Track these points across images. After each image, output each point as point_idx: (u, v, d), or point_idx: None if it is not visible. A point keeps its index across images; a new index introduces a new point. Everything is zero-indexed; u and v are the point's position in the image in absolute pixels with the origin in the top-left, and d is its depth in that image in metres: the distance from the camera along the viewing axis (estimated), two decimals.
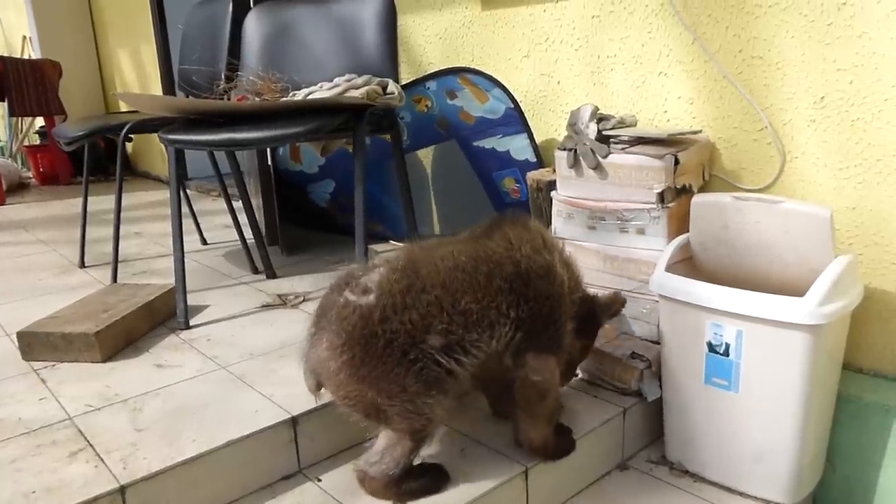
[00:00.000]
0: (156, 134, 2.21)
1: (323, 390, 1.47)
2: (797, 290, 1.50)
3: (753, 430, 1.63)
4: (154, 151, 5.06)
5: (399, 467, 1.43)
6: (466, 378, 1.42)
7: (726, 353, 1.61)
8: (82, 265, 2.76)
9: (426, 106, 2.55)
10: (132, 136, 2.53)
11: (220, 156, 2.70)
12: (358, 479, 1.48)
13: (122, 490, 1.32)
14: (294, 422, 1.55)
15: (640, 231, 1.85)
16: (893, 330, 1.76)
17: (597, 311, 1.67)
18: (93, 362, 1.83)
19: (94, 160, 4.84)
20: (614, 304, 1.70)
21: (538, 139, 2.39)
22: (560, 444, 1.63)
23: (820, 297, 1.47)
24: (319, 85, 2.30)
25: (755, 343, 1.56)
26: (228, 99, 2.47)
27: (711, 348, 1.63)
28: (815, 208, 1.55)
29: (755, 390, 1.60)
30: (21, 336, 1.87)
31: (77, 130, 2.56)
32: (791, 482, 1.64)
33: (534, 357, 1.47)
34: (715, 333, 1.61)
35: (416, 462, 1.52)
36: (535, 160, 2.35)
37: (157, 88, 4.79)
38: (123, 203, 2.63)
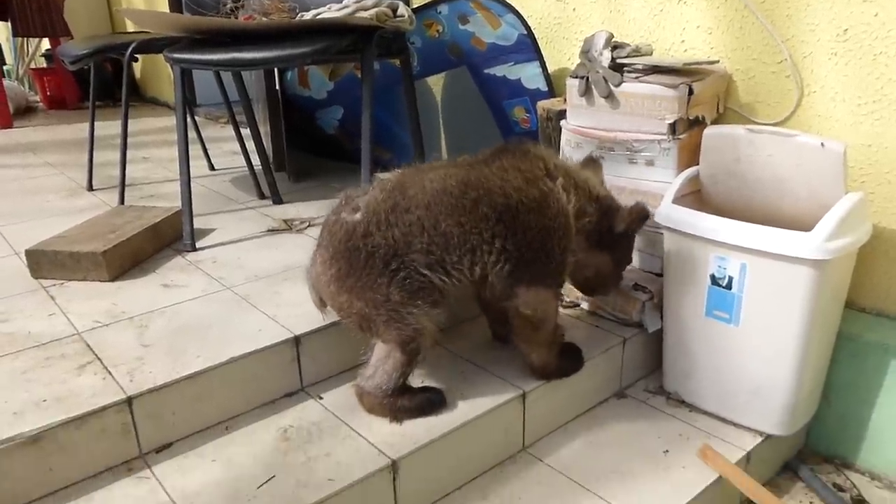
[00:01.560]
0: (161, 54, 2.17)
1: (328, 307, 1.52)
2: (806, 226, 1.49)
3: (752, 364, 1.65)
4: (162, 77, 4.99)
5: (392, 382, 1.46)
6: (452, 295, 1.46)
7: (729, 287, 1.61)
8: (90, 188, 2.77)
9: (437, 31, 2.48)
10: (138, 56, 2.49)
11: (229, 81, 2.66)
12: (356, 396, 1.53)
13: (129, 401, 1.36)
14: (297, 341, 1.58)
15: (650, 163, 1.82)
16: None
17: (613, 223, 1.62)
18: (100, 281, 1.86)
19: (101, 84, 4.76)
20: (631, 215, 1.61)
21: (550, 68, 2.33)
22: (563, 364, 1.66)
23: (827, 232, 1.45)
24: (328, 6, 2.24)
25: (759, 277, 1.55)
26: (235, 18, 2.42)
27: (714, 281, 1.63)
28: (829, 143, 1.52)
29: (756, 324, 1.60)
30: (30, 254, 1.89)
31: (81, 49, 2.53)
32: (786, 416, 1.67)
33: (525, 290, 1.48)
34: (719, 266, 1.61)
35: (417, 385, 1.55)
36: (546, 89, 2.30)
37: (163, 7, 4.68)
38: (131, 128, 2.61)
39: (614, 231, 1.61)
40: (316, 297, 1.53)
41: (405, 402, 1.49)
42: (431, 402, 1.52)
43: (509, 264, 1.45)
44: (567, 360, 1.68)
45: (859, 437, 1.83)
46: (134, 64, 5.28)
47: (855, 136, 1.73)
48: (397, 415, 1.49)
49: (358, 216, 1.42)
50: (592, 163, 1.72)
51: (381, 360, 1.48)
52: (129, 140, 2.63)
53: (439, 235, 1.40)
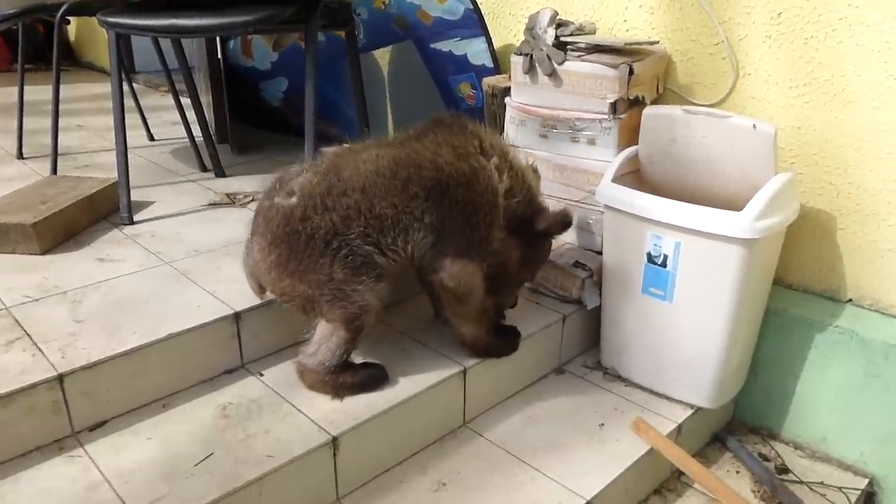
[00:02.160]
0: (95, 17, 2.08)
1: (267, 292, 1.51)
2: (737, 206, 1.54)
3: (684, 339, 1.71)
4: (99, 41, 4.79)
5: (335, 358, 1.46)
6: (392, 271, 1.46)
7: (664, 264, 1.66)
8: (20, 156, 2.66)
9: (383, 2, 2.45)
10: (71, 18, 2.38)
11: (168, 49, 2.57)
12: (297, 373, 1.52)
13: (61, 378, 1.33)
14: (237, 317, 1.56)
15: (591, 141, 1.85)
16: (825, 248, 1.83)
17: (535, 221, 1.61)
18: (30, 254, 1.79)
19: (32, 47, 4.56)
20: (555, 217, 1.61)
21: (496, 44, 2.33)
22: (497, 343, 1.67)
23: (757, 212, 1.51)
24: None
25: (692, 255, 1.60)
26: None
27: (650, 259, 1.68)
28: (761, 124, 1.57)
29: (688, 301, 1.66)
30: None
31: (8, 9, 2.41)
32: (715, 389, 1.74)
33: (450, 262, 1.49)
34: (655, 244, 1.65)
35: (359, 361, 1.56)
36: (491, 66, 2.30)
37: None
38: (65, 95, 2.51)
39: (534, 227, 1.61)
40: (255, 284, 1.51)
41: (347, 378, 1.50)
42: (374, 378, 1.53)
43: (433, 236, 1.46)
44: (502, 340, 1.69)
45: (784, 409, 1.92)
46: (68, 26, 5.05)
47: (786, 118, 1.79)
48: (339, 391, 1.50)
49: (294, 200, 1.40)
50: (534, 172, 1.69)
51: (325, 337, 1.48)
52: (62, 107, 2.52)
53: (374, 218, 1.41)
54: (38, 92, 3.41)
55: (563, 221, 1.61)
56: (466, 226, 1.47)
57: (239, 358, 1.59)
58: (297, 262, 1.39)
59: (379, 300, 1.46)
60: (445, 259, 1.48)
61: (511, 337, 1.71)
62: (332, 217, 1.39)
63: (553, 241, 1.72)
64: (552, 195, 1.93)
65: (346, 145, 1.55)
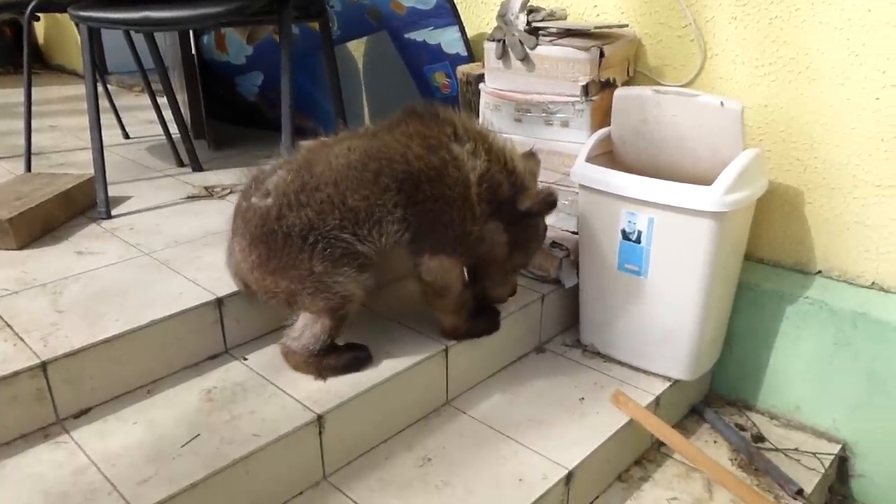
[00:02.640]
0: (67, 14, 2.07)
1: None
2: (708, 182, 1.58)
3: (660, 314, 1.75)
4: (69, 43, 4.74)
5: (319, 343, 1.48)
6: (376, 260, 1.47)
7: (638, 241, 1.70)
8: None
9: None
10: (39, 15, 2.37)
11: (143, 48, 2.56)
12: (282, 354, 1.54)
13: (44, 366, 1.33)
14: (219, 303, 1.57)
15: (565, 124, 1.89)
16: (793, 223, 1.89)
17: (517, 201, 1.56)
18: (7, 249, 1.79)
19: (1, 49, 4.52)
20: (538, 196, 1.55)
21: (470, 33, 2.36)
22: (476, 326, 1.69)
23: (726, 186, 1.55)
24: None
25: (665, 230, 1.64)
26: None
27: (625, 236, 1.71)
28: (728, 102, 1.62)
29: (663, 276, 1.70)
30: None
31: None
32: (691, 362, 1.78)
33: (428, 258, 1.51)
34: (629, 221, 1.69)
35: (342, 342, 1.58)
36: (465, 54, 2.33)
37: None
38: (37, 97, 2.50)
39: (518, 208, 1.56)
40: (241, 283, 1.54)
41: (331, 360, 1.51)
42: (357, 360, 1.55)
43: (409, 233, 1.47)
44: (481, 321, 1.70)
45: (758, 380, 1.97)
46: (37, 29, 4.99)
47: (753, 96, 1.84)
48: (323, 373, 1.51)
49: (269, 200, 1.42)
50: (532, 156, 1.67)
51: (309, 324, 1.50)
52: (35, 109, 2.51)
53: (349, 211, 1.42)
54: (8, 95, 3.39)
55: (546, 201, 1.56)
56: (440, 222, 1.48)
57: (222, 343, 1.60)
58: (276, 259, 1.41)
59: (362, 290, 1.47)
60: (423, 254, 1.50)
61: (491, 316, 1.74)
62: (308, 213, 1.40)
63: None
64: None
65: (320, 139, 1.56)
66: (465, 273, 1.63)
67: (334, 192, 1.42)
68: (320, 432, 1.41)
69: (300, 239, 1.40)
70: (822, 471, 1.76)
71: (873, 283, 1.82)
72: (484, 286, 1.70)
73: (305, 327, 1.50)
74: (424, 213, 1.47)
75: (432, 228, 1.48)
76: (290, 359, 1.53)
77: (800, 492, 1.66)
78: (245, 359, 1.59)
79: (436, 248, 1.50)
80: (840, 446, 1.84)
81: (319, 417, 1.41)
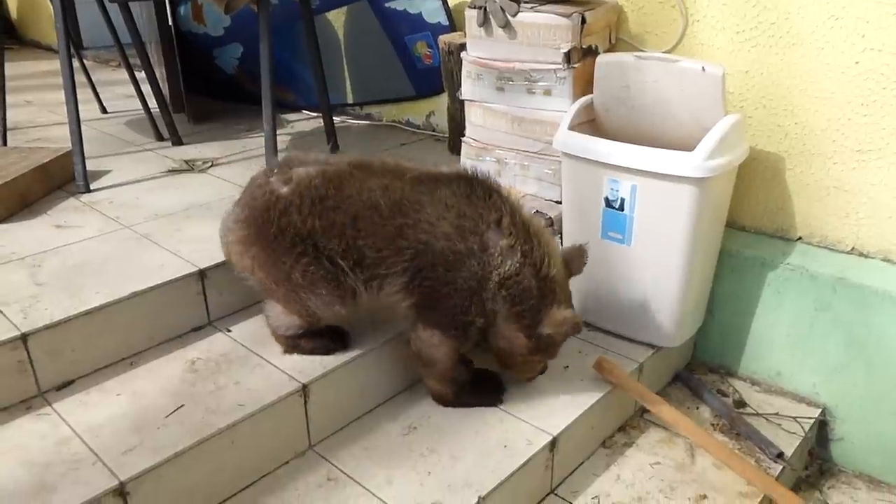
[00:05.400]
0: None
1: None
2: (690, 148, 1.58)
3: (643, 281, 1.76)
4: (43, 17, 4.64)
5: (290, 331, 1.48)
6: (357, 297, 1.42)
7: (621, 208, 1.70)
8: None
9: None
10: None
11: (119, 22, 2.51)
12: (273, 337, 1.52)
13: (24, 338, 1.32)
14: (202, 275, 1.56)
15: (547, 92, 1.88)
16: (774, 189, 1.90)
17: (543, 319, 1.44)
18: None
19: None
20: (564, 325, 1.44)
21: (451, 2, 2.33)
22: (466, 398, 1.58)
23: (707, 151, 1.55)
24: None
25: (647, 197, 1.65)
26: None
27: (608, 203, 1.72)
28: (709, 66, 1.61)
29: (646, 243, 1.71)
30: None
31: None
32: (674, 328, 1.79)
33: (422, 328, 1.45)
34: (612, 189, 1.69)
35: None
36: (447, 23, 2.31)
37: None
38: (11, 72, 2.45)
39: (540, 327, 1.45)
40: (225, 249, 1.51)
41: (304, 343, 1.50)
42: (327, 349, 1.51)
43: (410, 300, 1.42)
44: (476, 394, 1.59)
45: (740, 347, 1.99)
46: (9, 3, 4.88)
47: (734, 62, 1.84)
48: (291, 350, 1.50)
49: (285, 190, 1.38)
50: (577, 252, 1.56)
51: (281, 315, 1.48)
52: (9, 84, 2.46)
53: (354, 249, 1.37)
54: None
55: (571, 329, 1.46)
56: (444, 304, 1.41)
57: (206, 315, 1.60)
58: (259, 247, 1.39)
59: (332, 316, 1.44)
60: (417, 323, 1.45)
61: (490, 389, 1.61)
62: (314, 223, 1.35)
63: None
64: (512, 148, 1.96)
65: (365, 159, 1.46)
66: (457, 353, 1.51)
67: (349, 224, 1.36)
68: (305, 402, 1.42)
69: (290, 242, 1.36)
70: (803, 434, 1.79)
71: (853, 249, 1.84)
72: (501, 365, 1.60)
73: (279, 315, 1.48)
74: (430, 291, 1.40)
75: (433, 307, 1.42)
76: (272, 334, 1.52)
77: (780, 455, 1.69)
78: (229, 330, 1.59)
79: (431, 324, 1.44)
80: (820, 410, 1.87)
81: (304, 387, 1.41)
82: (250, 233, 1.40)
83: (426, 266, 1.37)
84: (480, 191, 1.41)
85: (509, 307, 1.43)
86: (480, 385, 1.61)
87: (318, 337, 1.50)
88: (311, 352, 1.50)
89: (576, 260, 1.55)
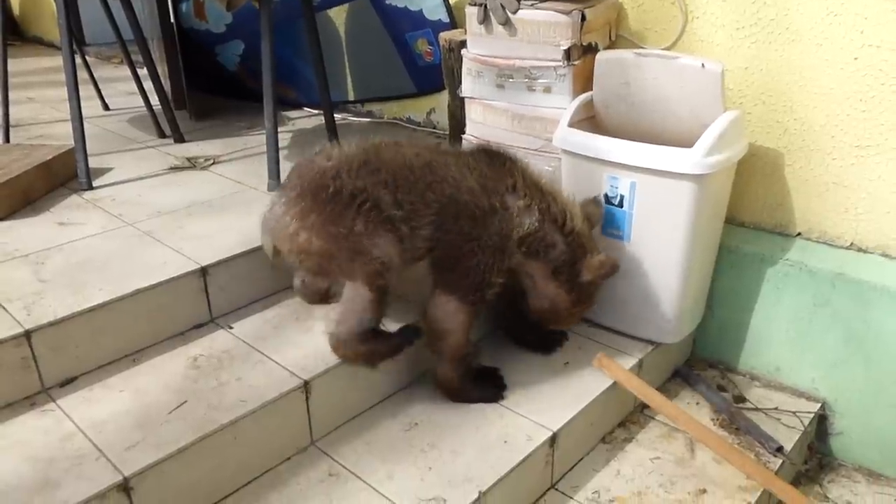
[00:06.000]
0: None
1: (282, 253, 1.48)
2: (689, 145, 1.58)
3: (642, 277, 1.76)
4: (45, 13, 4.65)
5: (364, 324, 1.44)
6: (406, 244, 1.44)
7: (621, 205, 1.71)
8: None
9: None
10: None
11: (121, 18, 2.51)
12: (331, 347, 1.48)
13: (28, 335, 1.33)
14: (204, 272, 1.57)
15: (547, 89, 1.88)
16: (774, 184, 1.90)
17: (580, 268, 1.57)
18: None
19: None
20: (601, 268, 1.57)
21: None
22: (472, 391, 1.61)
23: (706, 148, 1.56)
24: None
25: (647, 194, 1.65)
26: None
27: (607, 200, 1.72)
28: (709, 63, 1.62)
29: (645, 240, 1.71)
30: None
31: None
32: (674, 324, 1.80)
33: (439, 293, 1.49)
34: (611, 186, 1.70)
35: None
36: (447, 20, 2.31)
37: None
38: (14, 69, 2.46)
39: (579, 276, 1.57)
40: (269, 243, 1.49)
41: (380, 346, 1.50)
42: (406, 341, 1.53)
43: (430, 258, 1.46)
44: (479, 388, 1.62)
45: (739, 342, 2.00)
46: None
47: (733, 59, 1.84)
48: (373, 359, 1.50)
49: (332, 162, 1.43)
50: (592, 203, 1.68)
51: (349, 300, 1.45)
52: (12, 80, 2.47)
53: (396, 204, 1.42)
54: None
55: (610, 271, 1.58)
56: (464, 263, 1.46)
57: (208, 312, 1.61)
58: (317, 213, 1.38)
59: (399, 257, 1.43)
60: (436, 289, 1.49)
61: (491, 387, 1.64)
62: (363, 182, 1.40)
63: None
64: (512, 144, 1.97)
65: (395, 140, 1.56)
66: (470, 327, 1.55)
67: (391, 181, 1.42)
68: (307, 398, 1.43)
69: (349, 196, 1.38)
70: (802, 429, 1.80)
71: (851, 244, 1.84)
72: (547, 324, 1.70)
73: (346, 309, 1.46)
74: (452, 247, 1.46)
75: (454, 266, 1.47)
76: (339, 349, 1.48)
77: (780, 449, 1.70)
78: (231, 327, 1.60)
79: (449, 288, 1.49)
80: (819, 405, 1.88)
81: (306, 383, 1.42)
82: (306, 203, 1.39)
83: (450, 218, 1.45)
84: (496, 160, 1.55)
85: (544, 266, 1.55)
86: (483, 380, 1.64)
87: (391, 335, 1.53)
88: (393, 351, 1.52)
89: (594, 212, 1.67)
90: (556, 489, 1.56)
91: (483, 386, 1.63)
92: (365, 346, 1.48)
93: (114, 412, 1.32)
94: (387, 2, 2.41)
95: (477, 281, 1.48)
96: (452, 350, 1.55)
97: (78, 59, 2.42)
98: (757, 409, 1.86)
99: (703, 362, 2.07)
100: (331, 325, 1.48)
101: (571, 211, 1.57)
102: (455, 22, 2.32)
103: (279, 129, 2.11)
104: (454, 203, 1.45)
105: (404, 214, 1.42)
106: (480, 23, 1.90)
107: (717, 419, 1.81)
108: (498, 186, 1.50)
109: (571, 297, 1.60)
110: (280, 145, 2.07)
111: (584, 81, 1.87)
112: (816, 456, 1.92)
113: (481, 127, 2.04)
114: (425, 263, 1.50)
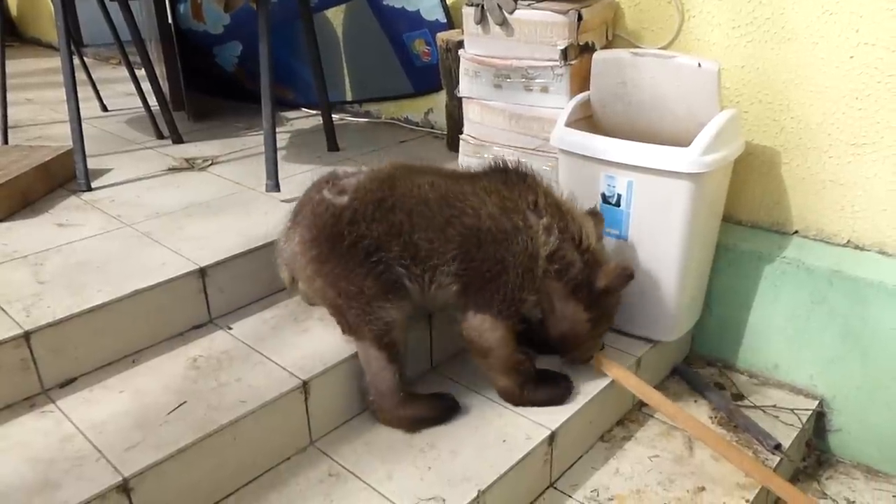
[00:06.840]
0: None
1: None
2: (686, 144, 1.59)
3: (639, 275, 1.75)
4: (43, 14, 4.65)
5: (389, 382, 1.46)
6: (417, 300, 1.46)
7: (618, 204, 1.71)
8: None
9: None
10: None
11: (119, 19, 2.52)
12: (373, 414, 1.52)
13: (27, 336, 1.34)
14: (202, 273, 1.58)
15: (544, 89, 1.89)
16: (770, 183, 1.91)
17: (594, 280, 1.55)
18: None
19: None
20: (615, 272, 1.55)
21: None
22: (538, 394, 1.59)
23: (703, 147, 1.56)
24: None
25: (644, 193, 1.66)
26: None
27: (605, 199, 1.73)
28: (705, 62, 1.62)
29: (642, 238, 1.72)
30: None
31: None
32: (672, 323, 1.81)
33: (472, 314, 1.48)
34: (608, 185, 1.70)
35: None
36: (444, 21, 2.31)
37: None
38: (12, 70, 2.46)
39: (595, 286, 1.55)
40: (288, 275, 1.51)
41: (420, 411, 1.51)
42: (448, 409, 1.55)
43: (459, 285, 1.45)
44: (546, 390, 1.60)
45: (737, 340, 2.00)
46: (10, 0, 4.89)
47: (730, 58, 1.85)
48: (414, 426, 1.50)
49: (345, 200, 1.40)
50: (595, 215, 1.65)
51: (366, 363, 1.47)
52: (10, 82, 2.47)
53: (412, 245, 1.41)
54: None
55: (624, 276, 1.55)
56: (493, 283, 1.45)
57: (207, 313, 1.61)
58: (333, 264, 1.39)
59: (404, 316, 1.45)
60: (468, 311, 1.49)
61: (560, 386, 1.62)
62: (379, 229, 1.39)
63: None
64: (509, 144, 1.97)
65: (405, 163, 1.54)
66: (513, 339, 1.54)
67: (406, 220, 1.40)
68: (306, 398, 1.43)
69: (364, 253, 1.38)
70: (800, 426, 1.80)
71: (848, 242, 1.85)
72: (572, 356, 1.67)
73: (369, 375, 1.47)
74: (479, 272, 1.44)
75: (482, 287, 1.46)
76: (381, 416, 1.51)
77: (778, 447, 1.71)
78: (230, 328, 1.60)
79: (481, 307, 1.47)
80: (817, 402, 1.89)
81: (305, 384, 1.42)
82: (322, 250, 1.40)
83: (473, 247, 1.44)
84: (514, 176, 1.51)
85: (563, 286, 1.52)
86: (547, 381, 1.62)
87: (429, 399, 1.56)
88: (435, 420, 1.52)
89: (598, 224, 1.64)
90: (555, 488, 1.56)
91: (550, 387, 1.61)
92: (405, 412, 1.49)
93: (113, 413, 1.32)
94: (384, 2, 2.41)
95: (508, 299, 1.47)
96: (501, 363, 1.54)
97: (76, 61, 2.42)
98: (755, 407, 1.87)
99: (701, 360, 2.07)
100: (369, 394, 1.50)
101: (587, 228, 1.55)
102: (452, 22, 2.32)
103: (277, 130, 2.12)
104: (476, 233, 1.44)
105: (425, 254, 1.41)
106: (477, 23, 1.91)
107: (716, 417, 1.82)
108: (519, 204, 1.48)
109: (590, 315, 1.56)
110: (278, 146, 2.08)
111: (581, 81, 1.87)
112: (814, 453, 1.93)
113: (479, 127, 2.05)
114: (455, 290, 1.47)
